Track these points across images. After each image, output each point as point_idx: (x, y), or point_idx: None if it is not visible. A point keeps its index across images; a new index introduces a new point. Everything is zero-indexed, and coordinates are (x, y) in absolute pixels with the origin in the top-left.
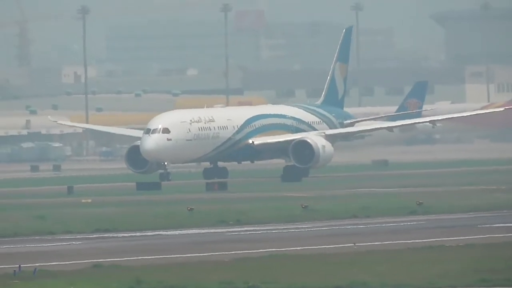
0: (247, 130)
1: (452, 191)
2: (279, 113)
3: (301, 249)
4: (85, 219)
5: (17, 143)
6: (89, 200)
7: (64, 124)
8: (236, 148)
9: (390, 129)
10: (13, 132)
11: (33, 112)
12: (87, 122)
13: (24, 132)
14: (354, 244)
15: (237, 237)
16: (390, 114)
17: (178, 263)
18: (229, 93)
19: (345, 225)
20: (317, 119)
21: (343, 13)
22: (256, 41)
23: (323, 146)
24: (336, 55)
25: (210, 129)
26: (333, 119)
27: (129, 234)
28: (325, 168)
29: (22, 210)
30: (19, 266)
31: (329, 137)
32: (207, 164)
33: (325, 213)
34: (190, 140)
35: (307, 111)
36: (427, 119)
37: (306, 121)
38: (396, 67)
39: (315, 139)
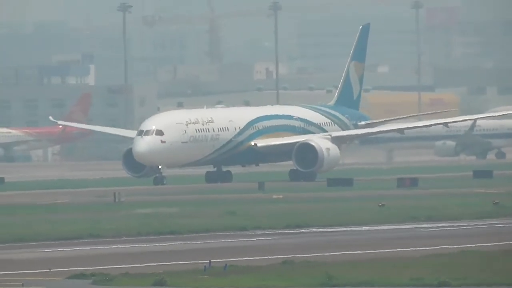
0: (250, 131)
1: None
2: (285, 114)
3: (491, 245)
4: (276, 214)
5: None
6: (280, 196)
7: (66, 125)
8: (238, 151)
9: (401, 131)
10: None
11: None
12: None
13: None
14: None
15: (428, 233)
16: (403, 116)
17: (369, 259)
18: (421, 90)
19: None
20: (328, 120)
21: None
22: (448, 38)
23: (328, 149)
24: (351, 53)
25: (208, 131)
26: (346, 120)
27: (320, 230)
28: None
29: (214, 206)
30: (209, 261)
31: (335, 140)
32: (210, 167)
33: None
34: (186, 142)
35: (317, 112)
36: (441, 121)
37: (316, 122)
38: None
39: (320, 141)
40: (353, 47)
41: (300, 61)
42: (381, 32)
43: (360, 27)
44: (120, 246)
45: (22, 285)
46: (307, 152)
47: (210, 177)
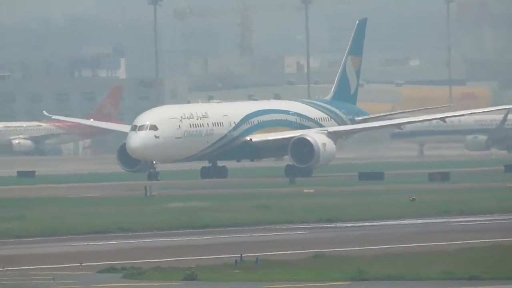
0: (245, 126)
1: None
2: (281, 109)
3: None
4: (308, 209)
5: None
6: (311, 190)
7: (59, 119)
8: (233, 146)
9: (398, 126)
10: None
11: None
12: None
13: None
14: None
15: (460, 227)
16: (398, 112)
17: (400, 253)
18: (452, 84)
19: None
20: (324, 115)
21: None
22: (479, 31)
23: (324, 144)
24: (348, 47)
25: (203, 126)
26: (343, 115)
27: (351, 224)
28: None
29: (245, 200)
30: (241, 255)
31: (331, 135)
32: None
33: None
34: (180, 137)
35: (313, 107)
36: (439, 115)
37: (312, 117)
38: None
39: (316, 136)
40: (350, 42)
41: (331, 55)
42: (413, 26)
43: (357, 21)
44: (151, 240)
45: (53, 279)
46: (303, 147)
47: (205, 173)
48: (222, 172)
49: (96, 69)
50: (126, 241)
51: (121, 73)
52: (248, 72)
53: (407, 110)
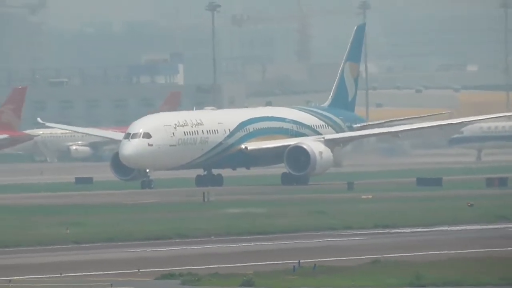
0: (240, 134)
1: None
2: (277, 116)
3: None
4: (365, 214)
5: None
6: (370, 196)
7: (53, 127)
8: (228, 154)
9: (395, 134)
10: None
11: None
12: (367, 117)
13: None
14: None
15: None
16: (399, 119)
17: (458, 258)
18: (509, 89)
19: None
20: (321, 123)
21: None
22: None
23: (320, 152)
24: (346, 54)
25: (197, 133)
26: (341, 122)
27: (409, 230)
28: None
29: (302, 205)
30: (299, 261)
31: (328, 142)
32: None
33: None
34: (174, 145)
35: (310, 114)
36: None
37: (309, 124)
38: None
39: (312, 144)
40: (348, 48)
41: (390, 60)
42: (470, 31)
43: (355, 27)
44: (209, 246)
45: (111, 285)
46: (299, 155)
47: (200, 181)
48: (218, 180)
49: (154, 75)
50: (184, 247)
51: (179, 79)
52: (306, 78)
53: (407, 117)
